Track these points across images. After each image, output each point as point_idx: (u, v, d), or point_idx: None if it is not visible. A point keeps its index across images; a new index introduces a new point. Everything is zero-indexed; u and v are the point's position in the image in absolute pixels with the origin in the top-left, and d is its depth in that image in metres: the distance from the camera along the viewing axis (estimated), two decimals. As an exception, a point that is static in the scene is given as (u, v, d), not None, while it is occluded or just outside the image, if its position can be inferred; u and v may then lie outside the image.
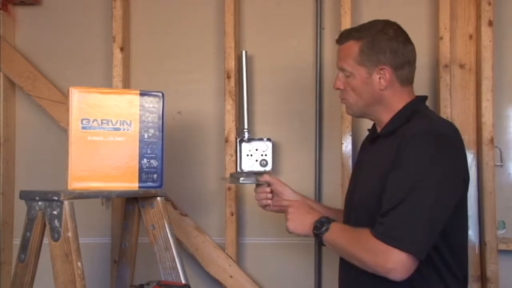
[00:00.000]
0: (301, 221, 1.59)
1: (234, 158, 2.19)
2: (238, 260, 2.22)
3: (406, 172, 1.44)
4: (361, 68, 1.59)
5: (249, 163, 2.07)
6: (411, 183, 1.42)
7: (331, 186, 2.21)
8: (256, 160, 2.08)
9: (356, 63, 1.60)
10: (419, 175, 1.43)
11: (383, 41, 1.58)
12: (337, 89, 1.66)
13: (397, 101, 1.61)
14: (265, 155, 2.06)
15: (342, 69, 1.64)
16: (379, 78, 1.59)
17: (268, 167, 2.05)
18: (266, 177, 1.81)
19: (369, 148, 1.71)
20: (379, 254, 1.41)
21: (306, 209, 1.61)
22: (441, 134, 1.49)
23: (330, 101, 2.22)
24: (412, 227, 1.41)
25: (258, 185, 1.81)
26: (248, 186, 1.91)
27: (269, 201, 1.81)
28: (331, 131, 2.22)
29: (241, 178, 1.82)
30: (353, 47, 1.60)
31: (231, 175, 1.93)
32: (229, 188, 2.20)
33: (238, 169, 2.02)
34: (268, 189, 1.82)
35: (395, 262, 1.40)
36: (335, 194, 2.17)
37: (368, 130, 1.78)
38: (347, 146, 2.16)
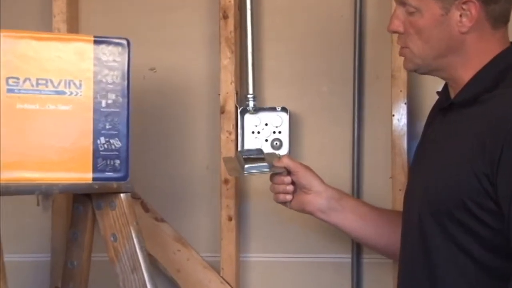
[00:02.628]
0: None
1: (233, 136, 2.20)
2: (239, 285, 2.24)
3: None
4: (433, 2, 1.60)
5: (255, 144, 2.17)
6: None
7: (376, 178, 2.22)
8: (266, 140, 2.17)
9: None
10: None
11: None
12: (394, 32, 1.70)
13: (484, 51, 1.62)
14: (279, 132, 2.15)
15: (402, 3, 1.65)
16: (460, 15, 1.60)
17: (283, 150, 2.14)
18: (285, 161, 1.85)
19: (438, 119, 1.73)
20: None
21: None
22: None
23: (375, 54, 2.22)
24: None
25: (275, 173, 1.85)
26: (259, 175, 1.94)
27: (288, 196, 1.88)
28: (376, 98, 2.23)
29: (246, 166, 1.84)
30: None
31: (237, 156, 1.94)
32: (226, 181, 2.21)
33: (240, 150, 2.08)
34: (288, 179, 1.86)
35: None
36: (382, 191, 2.19)
37: (438, 93, 1.79)
38: (400, 119, 2.15)
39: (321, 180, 1.89)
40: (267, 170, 1.86)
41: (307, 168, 1.89)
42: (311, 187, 1.86)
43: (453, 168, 1.56)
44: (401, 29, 1.66)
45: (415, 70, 1.71)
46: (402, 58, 1.76)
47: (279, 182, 1.87)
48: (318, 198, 1.88)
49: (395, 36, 1.88)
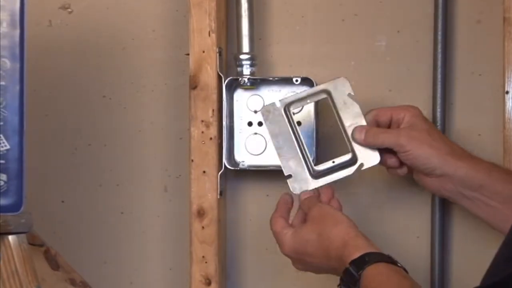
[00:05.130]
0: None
1: (214, 131, 1.79)
2: None
3: None
4: None
5: (254, 147, 1.87)
6: None
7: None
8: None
9: None
10: None
11: None
12: None
13: None
14: (297, 123, 1.86)
15: None
16: None
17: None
18: (380, 137, 1.64)
19: None
20: None
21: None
22: None
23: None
24: None
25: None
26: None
27: (400, 171, 1.70)
28: (474, 58, 1.83)
29: (319, 168, 1.62)
30: None
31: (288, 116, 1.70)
32: (201, 212, 1.79)
33: (226, 162, 1.76)
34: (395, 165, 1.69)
35: None
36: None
37: None
38: (521, 96, 1.88)
39: (446, 156, 1.61)
40: (356, 167, 1.64)
41: (419, 139, 1.61)
42: (432, 171, 1.64)
43: None
44: None
45: None
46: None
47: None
48: (443, 183, 1.65)
49: None
